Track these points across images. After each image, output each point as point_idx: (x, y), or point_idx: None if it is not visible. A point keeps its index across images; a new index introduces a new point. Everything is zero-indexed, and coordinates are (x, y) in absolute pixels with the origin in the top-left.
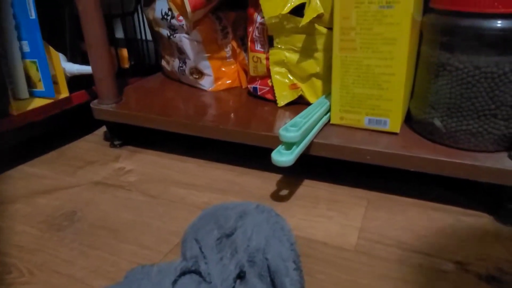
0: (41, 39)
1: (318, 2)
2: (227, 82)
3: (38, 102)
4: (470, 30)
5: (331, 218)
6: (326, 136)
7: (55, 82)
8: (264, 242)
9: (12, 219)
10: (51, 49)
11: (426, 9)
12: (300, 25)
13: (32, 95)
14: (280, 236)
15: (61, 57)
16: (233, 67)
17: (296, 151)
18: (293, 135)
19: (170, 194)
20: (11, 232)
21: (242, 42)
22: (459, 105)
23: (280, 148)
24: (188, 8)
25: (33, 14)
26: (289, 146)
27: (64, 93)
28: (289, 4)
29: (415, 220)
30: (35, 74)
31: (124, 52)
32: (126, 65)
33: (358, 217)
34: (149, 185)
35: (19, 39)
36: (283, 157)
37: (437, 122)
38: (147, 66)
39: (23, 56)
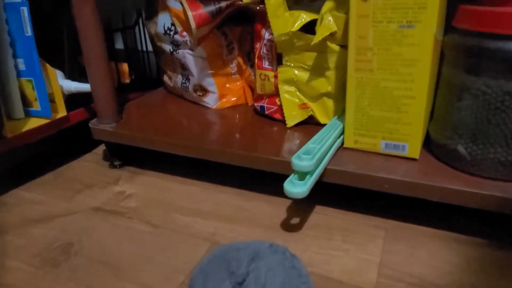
0: (38, 57)
1: (331, 19)
2: (232, 99)
3: (34, 122)
4: (499, 53)
5: (347, 251)
6: (340, 162)
7: (52, 101)
8: None
9: (3, 253)
10: (48, 66)
11: (448, 28)
12: (312, 43)
13: (28, 114)
14: (297, 285)
15: (59, 74)
16: (238, 83)
17: (310, 182)
18: (306, 164)
19: (173, 223)
20: (1, 269)
21: (248, 57)
22: (486, 132)
23: (293, 177)
24: (193, 25)
25: (29, 31)
26: (302, 175)
27: (62, 112)
28: (299, 21)
29: (438, 254)
30: (31, 93)
31: (125, 66)
32: (127, 80)
33: (377, 250)
34: (151, 211)
35: (14, 56)
36: (296, 188)
37: (461, 149)
38: (148, 80)
39: (19, 74)
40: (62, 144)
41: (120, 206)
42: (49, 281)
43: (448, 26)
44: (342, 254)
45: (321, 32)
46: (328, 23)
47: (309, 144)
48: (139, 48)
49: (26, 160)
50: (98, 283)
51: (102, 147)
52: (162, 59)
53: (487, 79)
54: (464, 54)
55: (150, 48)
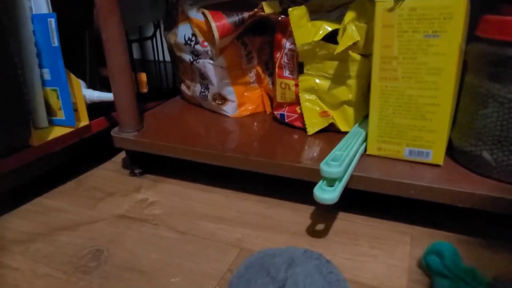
0: (63, 67)
1: (354, 28)
2: (251, 107)
3: (58, 131)
4: None
5: (375, 257)
6: (364, 169)
7: (75, 110)
8: None
9: (34, 260)
10: (72, 76)
11: (471, 37)
12: (336, 52)
13: (52, 123)
14: None
15: (81, 83)
16: (257, 92)
17: (339, 187)
18: (336, 171)
19: (199, 230)
20: (34, 276)
21: (266, 67)
22: None
23: (322, 184)
24: (216, 35)
25: (55, 42)
26: (330, 181)
27: (84, 121)
28: (321, 31)
29: (467, 262)
30: (56, 102)
31: (143, 76)
32: (145, 90)
33: (404, 256)
34: (176, 219)
35: (40, 66)
36: (326, 194)
37: (486, 156)
38: (165, 90)
39: (43, 83)
40: (80, 153)
41: (144, 213)
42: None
43: (471, 35)
44: (370, 260)
45: (345, 42)
46: (352, 32)
47: (336, 151)
48: (156, 58)
49: (49, 169)
50: None
51: (120, 156)
52: (180, 69)
53: None
54: (488, 62)
55: (166, 58)
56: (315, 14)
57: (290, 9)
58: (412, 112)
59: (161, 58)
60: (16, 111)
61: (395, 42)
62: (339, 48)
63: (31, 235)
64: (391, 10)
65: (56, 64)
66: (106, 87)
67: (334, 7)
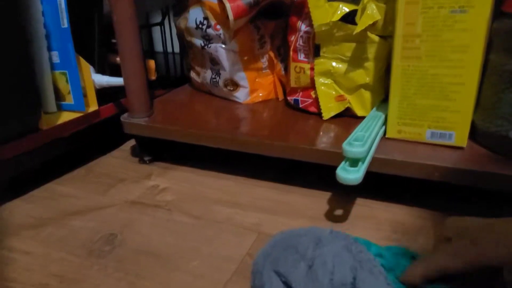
0: (73, 50)
1: (374, 8)
2: (263, 94)
3: (67, 116)
4: None
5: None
6: (386, 151)
7: (84, 95)
8: (352, 275)
9: (47, 244)
10: (82, 60)
11: (497, 13)
12: (354, 32)
13: (60, 108)
14: (371, 268)
15: (90, 68)
16: (269, 78)
17: (363, 168)
18: (359, 150)
19: (214, 215)
20: (48, 260)
21: (279, 52)
22: None
23: (345, 164)
24: (231, 16)
25: (65, 23)
26: (353, 162)
27: (93, 107)
28: (339, 11)
29: None
30: (65, 86)
31: (152, 63)
32: (153, 77)
33: (428, 241)
34: (189, 204)
35: (49, 49)
36: (350, 174)
37: None
38: (173, 78)
39: (52, 67)
40: (89, 140)
41: (157, 199)
42: (97, 271)
43: (497, 11)
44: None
45: (365, 21)
46: (372, 11)
47: (358, 132)
48: (164, 47)
49: (57, 154)
50: (147, 273)
51: (129, 144)
52: (190, 55)
53: None
54: None
55: (175, 46)
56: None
57: None
58: (435, 92)
59: (169, 46)
60: (26, 93)
61: (419, 19)
62: (359, 28)
63: (41, 220)
64: None
65: (65, 46)
66: (115, 74)
67: None
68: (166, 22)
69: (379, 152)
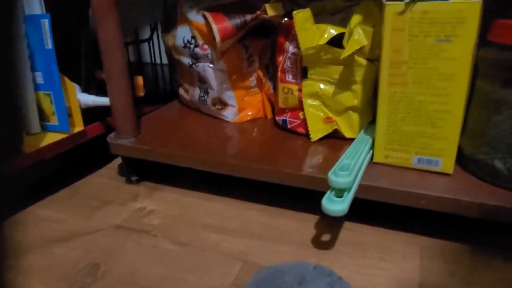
0: (57, 71)
1: (361, 32)
2: (251, 112)
3: (51, 137)
4: None
5: (385, 270)
6: (373, 178)
7: (69, 115)
8: None
9: (27, 275)
10: (67, 80)
11: (482, 41)
12: (342, 56)
13: (44, 129)
14: None
15: (76, 87)
16: (257, 96)
17: (349, 198)
18: (345, 181)
19: (200, 241)
20: None
21: (267, 70)
22: None
23: (330, 194)
24: (218, 38)
25: (49, 44)
26: (339, 191)
27: (79, 127)
28: (326, 35)
29: (479, 273)
30: (49, 107)
31: (140, 80)
32: (141, 94)
33: (415, 269)
34: (176, 229)
35: (33, 69)
36: (335, 205)
37: (499, 164)
38: (162, 93)
39: (36, 88)
40: (75, 159)
41: (143, 223)
42: None
43: (483, 39)
44: (380, 273)
45: (352, 46)
46: (359, 36)
47: (344, 160)
48: (153, 61)
49: (41, 176)
50: None
51: (116, 162)
52: (179, 72)
53: None
54: (501, 68)
55: (164, 60)
56: (318, 16)
57: (294, 11)
58: (422, 119)
59: (158, 61)
60: (7, 116)
61: (405, 47)
62: (346, 53)
63: (24, 247)
64: (401, 13)
65: (49, 67)
66: (101, 90)
67: (337, 9)
68: (155, 36)
69: (366, 179)
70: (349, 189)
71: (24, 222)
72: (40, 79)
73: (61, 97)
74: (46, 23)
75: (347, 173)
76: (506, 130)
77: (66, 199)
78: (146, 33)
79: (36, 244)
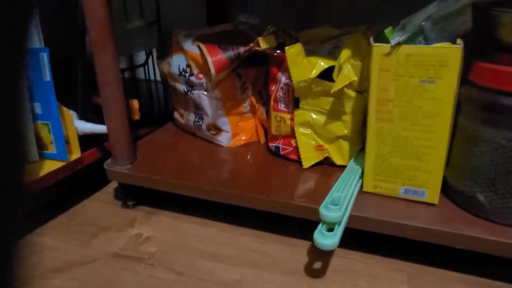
0: (56, 101)
1: (350, 68)
2: (245, 137)
3: (49, 166)
4: None
5: None
6: (362, 208)
7: (67, 142)
8: None
9: None
10: (64, 109)
11: (464, 79)
12: (332, 91)
13: (42, 156)
14: None
15: (73, 114)
16: (251, 122)
17: (339, 232)
18: (336, 215)
19: (196, 270)
20: None
21: (260, 96)
22: (506, 182)
23: (322, 228)
24: (213, 70)
25: (48, 77)
26: (330, 224)
27: (76, 154)
28: (316, 68)
29: None
30: (47, 136)
31: (135, 103)
32: (137, 117)
33: None
34: (173, 257)
35: (31, 100)
36: (327, 240)
37: (480, 197)
38: (157, 114)
39: (34, 117)
40: (71, 184)
41: (140, 251)
42: None
43: (464, 77)
44: None
45: (341, 81)
46: (348, 72)
47: (334, 193)
48: (147, 84)
49: (39, 205)
50: None
51: (112, 185)
52: (174, 97)
53: (506, 132)
54: (481, 108)
55: (158, 80)
56: (308, 45)
57: (287, 47)
58: (408, 153)
59: (152, 79)
60: (9, 148)
61: (391, 86)
62: (335, 87)
63: (22, 279)
64: (388, 55)
65: (48, 98)
66: (97, 115)
67: (327, 38)
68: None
69: (355, 209)
70: (339, 223)
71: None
72: (38, 109)
73: (59, 127)
74: (45, 57)
75: (337, 208)
76: (486, 166)
77: (63, 226)
78: (140, 56)
79: (35, 275)
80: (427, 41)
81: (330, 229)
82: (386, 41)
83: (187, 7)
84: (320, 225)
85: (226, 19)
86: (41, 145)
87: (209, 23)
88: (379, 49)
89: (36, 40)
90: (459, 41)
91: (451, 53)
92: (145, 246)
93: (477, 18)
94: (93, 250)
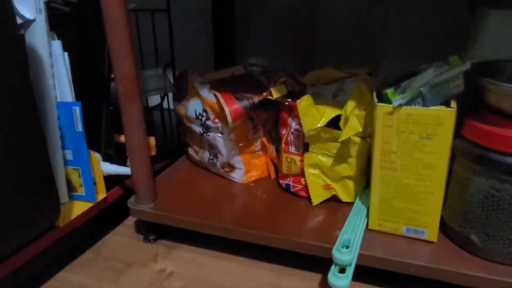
0: (86, 150)
1: (356, 119)
2: (257, 173)
3: (79, 207)
4: (505, 166)
5: None
6: (368, 247)
7: (93, 183)
8: None
9: None
10: (92, 154)
11: (457, 133)
12: (340, 140)
13: (71, 197)
14: None
15: (98, 157)
16: (262, 159)
17: (351, 272)
18: (348, 258)
19: None
20: None
21: (270, 135)
22: (496, 226)
23: (334, 270)
24: (230, 120)
25: (79, 127)
26: (341, 265)
27: (102, 194)
28: (324, 118)
29: None
30: (77, 180)
31: (152, 140)
32: (154, 153)
33: None
34: None
35: (63, 147)
36: (340, 281)
37: (474, 238)
38: (171, 149)
39: (65, 163)
40: (97, 225)
41: (165, 287)
42: None
43: (458, 130)
44: None
45: (348, 132)
46: (354, 124)
47: (344, 235)
48: (163, 123)
49: (70, 246)
50: None
51: (131, 219)
52: (188, 135)
53: (495, 182)
54: (472, 160)
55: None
56: (314, 87)
57: (298, 101)
58: (408, 197)
59: (165, 110)
60: (47, 193)
61: (394, 139)
62: (343, 137)
63: None
64: (390, 113)
65: (79, 147)
66: (120, 154)
67: (330, 79)
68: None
69: (363, 247)
70: (350, 264)
71: None
72: (69, 156)
73: (89, 172)
74: (77, 110)
75: (348, 251)
76: (477, 211)
77: (90, 262)
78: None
79: None
80: (424, 102)
81: (342, 269)
82: (388, 100)
83: (196, 46)
84: (333, 266)
85: (233, 57)
86: (70, 187)
87: (216, 56)
88: (382, 108)
89: (68, 94)
90: (453, 103)
91: (446, 115)
92: (169, 282)
93: (468, 83)
94: (121, 286)
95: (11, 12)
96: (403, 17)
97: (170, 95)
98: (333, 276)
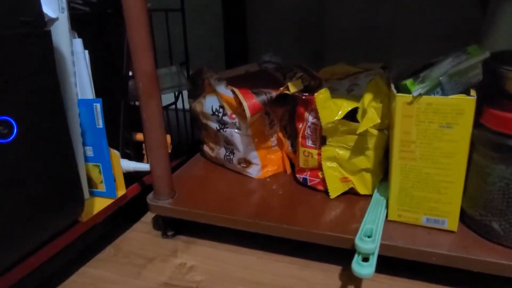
0: (107, 146)
1: (374, 111)
2: (273, 168)
3: (99, 203)
4: None
5: None
6: (389, 236)
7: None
8: None
9: None
10: (112, 151)
11: (477, 122)
12: (358, 132)
13: (92, 194)
14: None
15: (118, 154)
16: (278, 154)
17: (374, 261)
18: (371, 247)
19: None
20: None
21: (286, 130)
22: None
23: (358, 259)
24: (248, 114)
25: (100, 124)
26: (364, 254)
27: (122, 190)
28: (341, 111)
29: None
30: (97, 177)
31: (168, 138)
32: (169, 151)
33: None
34: (217, 285)
35: (84, 144)
36: (364, 269)
37: (495, 226)
38: (185, 147)
39: (86, 159)
40: (117, 221)
41: (187, 280)
42: None
43: (477, 119)
44: None
45: (366, 123)
46: (372, 115)
47: (366, 225)
48: (177, 121)
49: (91, 241)
50: None
51: (149, 215)
52: (204, 132)
53: None
54: (492, 148)
55: (186, 105)
56: (328, 82)
57: (316, 94)
58: (429, 187)
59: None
60: (71, 189)
61: (413, 129)
62: (361, 128)
63: None
64: (410, 103)
65: (100, 143)
66: (137, 151)
67: (344, 75)
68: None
69: (384, 238)
70: (374, 253)
71: (80, 283)
72: (90, 152)
73: (109, 168)
74: (98, 107)
75: (371, 240)
76: (498, 198)
77: (111, 257)
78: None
79: None
80: (443, 91)
81: (365, 259)
82: (406, 91)
83: (207, 44)
84: (356, 255)
85: (245, 55)
86: (91, 184)
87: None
88: (402, 98)
89: (89, 92)
90: (473, 92)
91: (466, 103)
92: (190, 275)
93: (487, 71)
94: (145, 281)
95: (40, 9)
96: (411, 16)
97: (184, 94)
98: (357, 264)
